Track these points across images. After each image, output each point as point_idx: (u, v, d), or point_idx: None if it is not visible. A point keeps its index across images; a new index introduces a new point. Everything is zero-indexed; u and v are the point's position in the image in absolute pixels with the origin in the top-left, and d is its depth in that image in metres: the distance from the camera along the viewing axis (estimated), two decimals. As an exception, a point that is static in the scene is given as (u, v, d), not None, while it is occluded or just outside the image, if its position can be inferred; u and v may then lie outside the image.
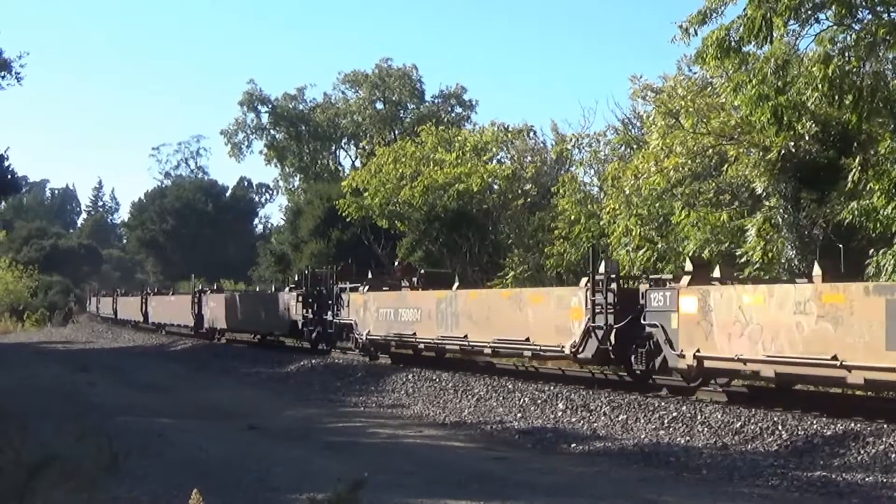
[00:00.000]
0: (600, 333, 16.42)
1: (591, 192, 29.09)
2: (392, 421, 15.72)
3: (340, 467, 10.08)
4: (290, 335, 29.72)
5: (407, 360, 22.83)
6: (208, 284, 44.79)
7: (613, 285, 16.46)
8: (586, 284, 16.89)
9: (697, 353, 14.35)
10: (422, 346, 22.01)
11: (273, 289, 36.39)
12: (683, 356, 14.56)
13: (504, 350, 19.46)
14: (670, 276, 16.16)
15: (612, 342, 16.27)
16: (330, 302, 26.20)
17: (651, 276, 16.96)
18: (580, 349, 16.88)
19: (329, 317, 26.21)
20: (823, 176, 18.33)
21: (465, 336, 19.90)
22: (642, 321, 15.64)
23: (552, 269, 27.38)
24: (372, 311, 23.59)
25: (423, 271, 24.91)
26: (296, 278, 30.13)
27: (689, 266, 15.52)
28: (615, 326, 16.16)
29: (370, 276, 25.93)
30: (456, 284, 21.65)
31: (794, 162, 18.78)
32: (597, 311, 16.46)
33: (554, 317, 17.53)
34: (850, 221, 16.99)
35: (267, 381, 22.96)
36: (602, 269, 16.63)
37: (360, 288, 24.75)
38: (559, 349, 17.39)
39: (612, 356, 16.66)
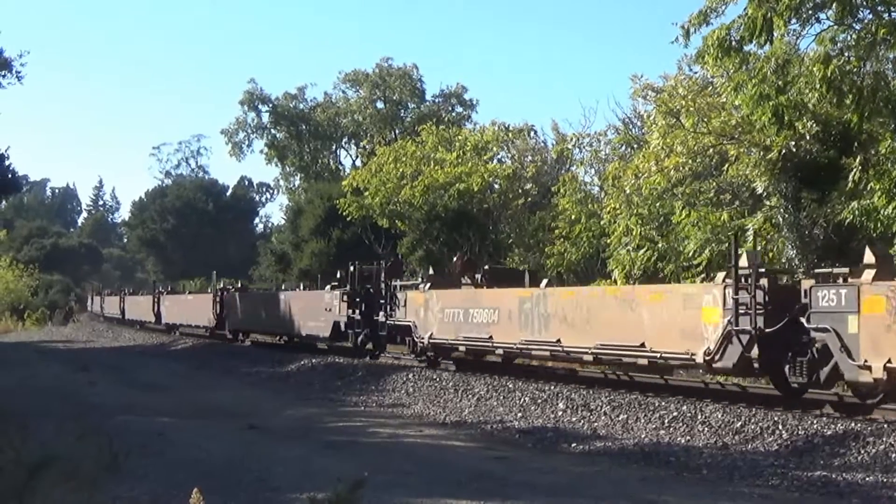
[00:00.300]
0: (745, 339, 13.65)
1: (591, 191, 29.14)
2: (392, 420, 15.71)
3: (341, 467, 10.07)
4: (332, 338, 27.02)
5: (479, 368, 20.64)
6: (208, 283, 44.47)
7: (763, 281, 13.71)
8: (724, 280, 14.23)
9: (889, 365, 11.87)
10: (500, 351, 19.53)
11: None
12: (868, 367, 12.11)
13: (609, 357, 16.60)
14: (845, 270, 13.18)
15: (759, 349, 13.58)
16: (382, 301, 23.75)
17: (817, 271, 14.43)
18: (717, 357, 14.02)
19: (381, 318, 23.67)
20: (824, 176, 18.32)
21: (558, 340, 17.20)
22: (805, 324, 13.06)
23: (553, 269, 27.40)
24: (435, 312, 21.09)
25: (487, 266, 22.79)
26: (337, 275, 27.72)
27: (869, 257, 12.69)
28: (766, 330, 13.42)
29: (431, 271, 23.81)
30: (545, 281, 19.11)
31: (794, 161, 18.78)
32: (740, 311, 13.70)
33: (679, 318, 14.67)
34: (850, 221, 16.99)
35: (267, 381, 22.96)
36: (744, 261, 13.92)
37: (421, 286, 22.31)
38: (687, 357, 14.48)
39: (758, 366, 13.90)
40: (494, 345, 19.29)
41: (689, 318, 14.46)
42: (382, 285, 24.02)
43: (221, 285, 38.37)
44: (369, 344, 24.95)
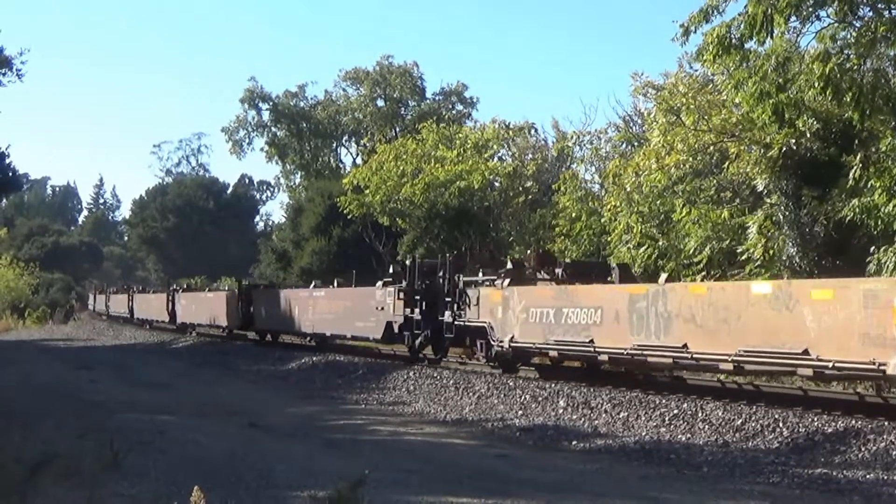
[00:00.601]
0: None
1: (592, 189, 29.13)
2: (393, 418, 15.72)
3: (342, 464, 10.08)
4: (383, 340, 24.25)
5: (571, 376, 18.11)
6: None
7: None
8: None
9: None
10: (604, 357, 16.69)
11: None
12: None
13: (757, 366, 14.11)
14: None
15: None
16: (448, 300, 21.05)
17: None
18: None
19: (447, 317, 20.96)
20: (825, 173, 18.33)
21: (684, 346, 14.47)
22: None
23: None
24: (516, 312, 18.42)
25: (567, 261, 20.65)
26: (390, 270, 25.23)
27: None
28: None
29: (510, 265, 20.44)
30: (664, 276, 16.47)
31: (795, 159, 18.79)
32: None
33: (858, 321, 12.05)
34: (851, 219, 17.00)
35: (268, 379, 22.97)
36: None
37: (498, 282, 19.55)
38: (874, 368, 11.91)
39: None
40: (597, 350, 16.51)
41: (874, 321, 11.89)
42: (446, 281, 21.34)
43: (246, 283, 35.35)
44: (427, 347, 22.64)
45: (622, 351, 15.90)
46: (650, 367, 16.69)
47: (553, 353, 18.24)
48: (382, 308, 23.79)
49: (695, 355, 14.48)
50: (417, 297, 22.33)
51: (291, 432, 13.72)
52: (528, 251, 22.43)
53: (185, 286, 46.81)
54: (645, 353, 15.45)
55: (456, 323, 20.73)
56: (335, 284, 28.74)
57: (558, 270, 19.01)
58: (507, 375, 19.00)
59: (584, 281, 17.96)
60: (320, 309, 27.95)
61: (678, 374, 17.52)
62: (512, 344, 18.54)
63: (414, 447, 12.66)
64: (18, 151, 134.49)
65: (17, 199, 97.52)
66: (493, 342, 19.18)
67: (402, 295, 22.86)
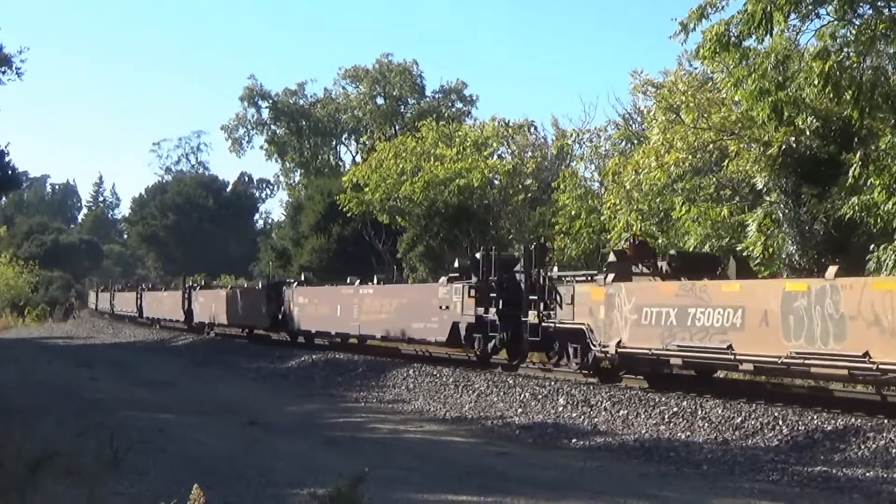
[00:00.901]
0: None
1: (591, 187, 29.17)
2: (393, 416, 15.73)
3: (341, 462, 10.08)
4: (449, 343, 21.76)
5: (689, 387, 15.49)
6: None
7: None
8: None
9: None
10: (748, 366, 14.32)
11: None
12: None
13: None
14: None
15: None
16: (533, 297, 18.63)
17: None
18: None
19: (531, 318, 18.48)
20: (824, 171, 18.34)
21: (865, 354, 12.14)
22: None
23: (552, 265, 27.40)
24: (624, 312, 15.99)
25: (672, 252, 18.34)
26: (455, 264, 22.55)
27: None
28: None
29: (613, 258, 17.83)
30: (833, 269, 13.18)
31: (794, 157, 18.80)
32: None
33: None
34: (850, 217, 17.01)
35: (268, 377, 22.98)
36: None
37: (599, 278, 17.17)
38: None
39: None
40: (738, 357, 14.08)
41: None
42: (528, 277, 19.02)
43: (276, 278, 32.11)
44: (500, 352, 20.45)
45: (774, 359, 13.45)
46: (812, 377, 14.56)
47: (675, 361, 15.37)
48: (447, 307, 21.33)
49: (881, 366, 12.04)
50: (493, 295, 19.97)
51: (291, 430, 13.73)
52: (625, 242, 20.14)
53: (202, 283, 44.17)
54: (808, 362, 13.04)
55: (543, 325, 18.23)
56: (375, 281, 26.88)
57: (661, 264, 16.88)
58: (609, 384, 16.90)
59: (689, 276, 15.60)
60: (368, 308, 25.14)
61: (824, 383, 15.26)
62: (619, 349, 16.06)
63: (414, 445, 12.67)
64: (18, 149, 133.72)
65: (16, 197, 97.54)
66: (592, 347, 16.72)
67: (473, 292, 20.45)
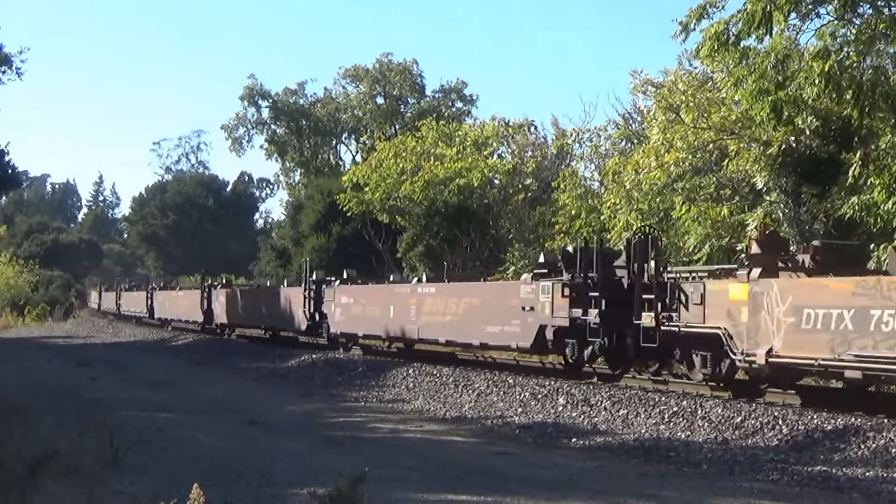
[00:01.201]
0: None
1: (591, 186, 29.14)
2: (393, 416, 15.73)
3: (341, 462, 10.08)
4: (534, 349, 19.19)
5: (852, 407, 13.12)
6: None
7: None
8: None
9: None
10: None
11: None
12: None
13: None
14: None
15: None
16: (649, 297, 15.85)
17: None
18: None
19: (645, 321, 15.77)
20: (824, 171, 18.34)
21: None
22: None
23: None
24: (776, 314, 13.34)
25: (816, 243, 15.19)
26: (541, 259, 20.06)
27: None
28: None
29: (755, 248, 14.93)
30: None
31: (794, 157, 18.80)
32: None
33: None
34: (850, 216, 17.00)
35: (268, 376, 22.99)
36: None
37: (741, 273, 14.44)
38: None
39: None
40: None
41: None
42: (638, 273, 16.22)
43: (314, 276, 29.11)
44: (598, 359, 18.04)
45: None
46: None
47: (852, 374, 12.70)
48: (531, 308, 18.70)
49: None
50: (594, 294, 17.22)
51: (291, 430, 13.74)
52: (753, 227, 17.62)
53: (222, 281, 41.58)
54: None
55: (664, 328, 15.57)
56: (423, 278, 25.01)
57: (801, 257, 14.35)
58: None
59: (837, 272, 13.41)
60: (429, 309, 22.40)
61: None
62: (770, 359, 13.43)
63: (413, 445, 12.67)
64: (18, 148, 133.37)
65: (16, 196, 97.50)
66: (731, 355, 14.21)
67: (567, 291, 17.71)
